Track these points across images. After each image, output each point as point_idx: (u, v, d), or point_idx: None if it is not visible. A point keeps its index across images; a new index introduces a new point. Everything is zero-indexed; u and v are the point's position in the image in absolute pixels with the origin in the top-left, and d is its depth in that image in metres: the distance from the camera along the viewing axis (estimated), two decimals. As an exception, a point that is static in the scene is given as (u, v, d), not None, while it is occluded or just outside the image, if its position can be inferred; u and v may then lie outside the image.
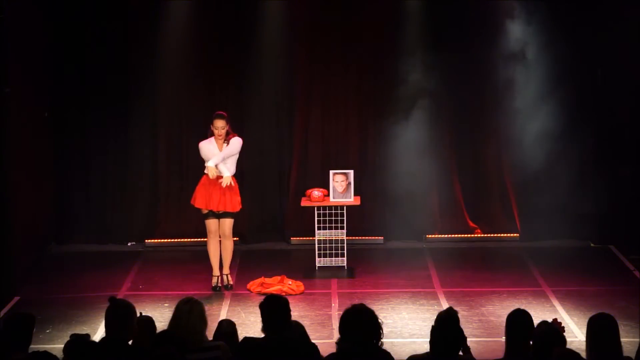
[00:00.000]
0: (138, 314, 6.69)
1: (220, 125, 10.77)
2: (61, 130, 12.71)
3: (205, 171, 10.79)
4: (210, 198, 10.80)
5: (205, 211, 10.90)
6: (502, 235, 12.99)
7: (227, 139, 10.83)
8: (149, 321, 6.60)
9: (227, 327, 6.81)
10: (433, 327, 6.04)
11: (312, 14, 12.69)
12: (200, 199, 10.84)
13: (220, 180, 10.75)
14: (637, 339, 8.99)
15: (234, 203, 10.89)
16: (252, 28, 12.61)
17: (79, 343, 5.94)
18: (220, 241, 11.00)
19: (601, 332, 5.91)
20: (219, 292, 10.88)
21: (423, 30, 12.63)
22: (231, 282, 11.04)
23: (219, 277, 11.01)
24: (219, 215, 10.89)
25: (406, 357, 6.08)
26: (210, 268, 11.09)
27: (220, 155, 10.74)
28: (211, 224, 10.91)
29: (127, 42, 12.59)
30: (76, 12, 12.46)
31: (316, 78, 12.84)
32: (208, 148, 10.81)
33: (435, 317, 6.14)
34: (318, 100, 12.90)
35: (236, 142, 10.85)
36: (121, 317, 6.38)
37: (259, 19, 12.60)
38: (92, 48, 12.53)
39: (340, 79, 12.84)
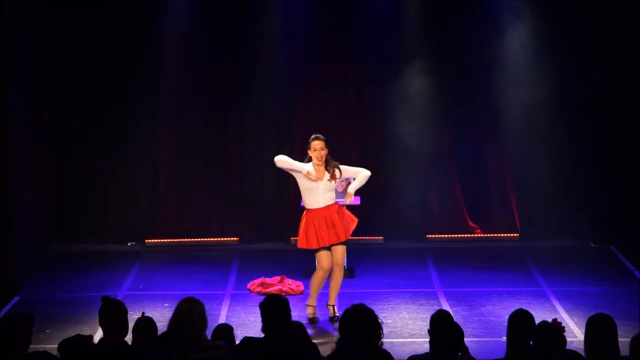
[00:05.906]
0: (140, 314, 6.70)
1: (319, 146, 9.84)
2: (61, 130, 12.71)
3: (311, 207, 9.82)
4: (325, 234, 9.78)
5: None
6: (502, 235, 12.99)
7: (330, 167, 9.91)
8: (149, 322, 6.60)
9: (221, 333, 6.77)
10: (429, 330, 6.07)
11: (312, 14, 12.69)
12: (313, 239, 9.77)
13: (342, 204, 9.97)
14: (637, 339, 8.99)
15: (348, 229, 9.93)
16: (252, 28, 12.61)
17: (75, 343, 5.93)
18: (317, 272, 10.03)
19: (600, 332, 5.91)
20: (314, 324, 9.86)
21: (423, 30, 12.64)
22: (337, 313, 9.89)
23: (315, 308, 9.98)
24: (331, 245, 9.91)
25: (406, 357, 6.09)
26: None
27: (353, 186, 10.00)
28: (326, 258, 9.83)
29: (127, 42, 12.59)
30: (76, 11, 12.46)
31: (316, 77, 12.83)
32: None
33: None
34: (318, 100, 12.89)
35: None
36: (115, 316, 6.38)
37: (259, 19, 12.60)
38: (92, 48, 12.53)
39: (340, 79, 12.83)
